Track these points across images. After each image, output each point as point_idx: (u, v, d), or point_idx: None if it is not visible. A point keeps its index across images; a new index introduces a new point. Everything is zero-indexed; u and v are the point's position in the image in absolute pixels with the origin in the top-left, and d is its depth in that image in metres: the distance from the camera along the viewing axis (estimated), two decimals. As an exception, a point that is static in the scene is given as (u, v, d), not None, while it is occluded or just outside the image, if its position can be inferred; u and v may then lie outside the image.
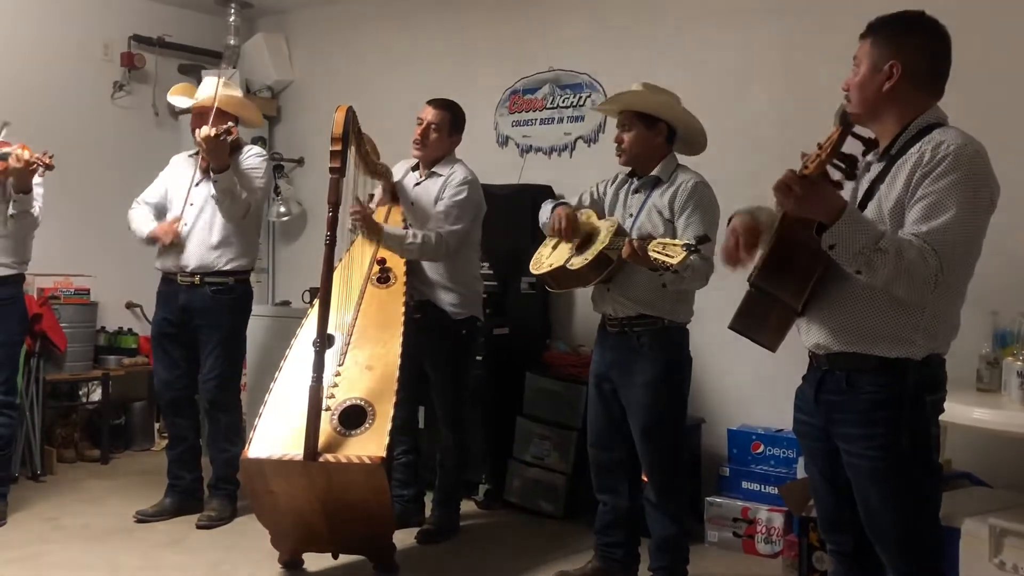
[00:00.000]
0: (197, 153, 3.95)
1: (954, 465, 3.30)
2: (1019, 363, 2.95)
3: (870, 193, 2.11)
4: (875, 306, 2.06)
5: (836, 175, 2.09)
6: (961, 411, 2.79)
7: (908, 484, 2.06)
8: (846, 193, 2.13)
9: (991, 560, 2.74)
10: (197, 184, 3.94)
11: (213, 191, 3.80)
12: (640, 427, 3.12)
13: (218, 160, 3.73)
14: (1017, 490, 3.23)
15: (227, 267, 3.93)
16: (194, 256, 3.91)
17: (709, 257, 2.96)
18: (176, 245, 3.91)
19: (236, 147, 3.89)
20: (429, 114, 3.71)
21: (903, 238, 1.95)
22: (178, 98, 4.10)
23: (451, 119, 3.72)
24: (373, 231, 3.44)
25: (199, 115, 3.90)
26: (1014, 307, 3.21)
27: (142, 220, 4.00)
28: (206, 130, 3.69)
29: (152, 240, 3.95)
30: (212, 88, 3.92)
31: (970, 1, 3.42)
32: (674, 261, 2.58)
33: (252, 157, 3.96)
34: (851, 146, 2.09)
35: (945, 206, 1.94)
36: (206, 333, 3.95)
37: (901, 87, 2.07)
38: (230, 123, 3.78)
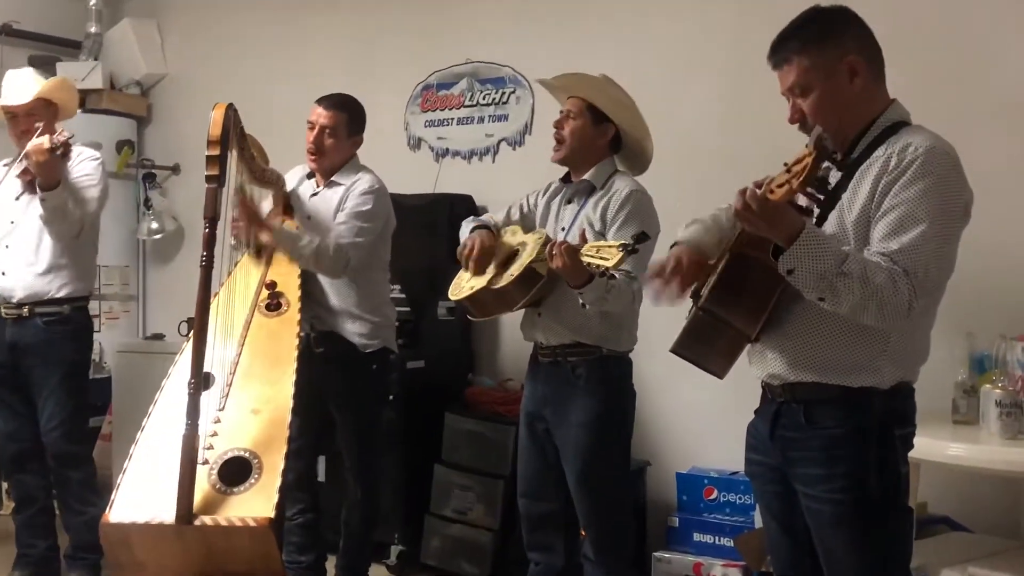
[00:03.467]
0: (15, 160, 3.81)
1: (930, 508, 3.37)
2: (998, 391, 3.01)
3: (831, 203, 2.13)
4: (836, 331, 2.08)
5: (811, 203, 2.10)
6: (935, 447, 2.85)
7: (875, 531, 2.08)
8: None
9: (973, 615, 2.79)
10: (17, 198, 3.83)
11: (41, 211, 3.69)
12: (576, 473, 3.12)
13: (49, 176, 3.60)
14: (1000, 535, 3.31)
15: (61, 294, 3.84)
16: (20, 284, 3.80)
17: (637, 275, 2.97)
18: None
19: (65, 152, 3.75)
20: (320, 116, 3.65)
21: (870, 260, 1.97)
22: None
23: (347, 119, 3.68)
24: (261, 226, 3.42)
25: (14, 118, 3.79)
26: (991, 327, 3.29)
27: None
28: (38, 141, 3.56)
29: None
30: (27, 84, 3.79)
31: None
32: (610, 264, 2.58)
33: (84, 162, 3.84)
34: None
35: (916, 219, 1.97)
36: (41, 373, 3.83)
37: (866, 81, 2.11)
38: (67, 133, 3.64)
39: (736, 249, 2.13)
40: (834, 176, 2.16)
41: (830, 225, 2.11)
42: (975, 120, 3.47)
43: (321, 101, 3.68)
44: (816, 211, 2.13)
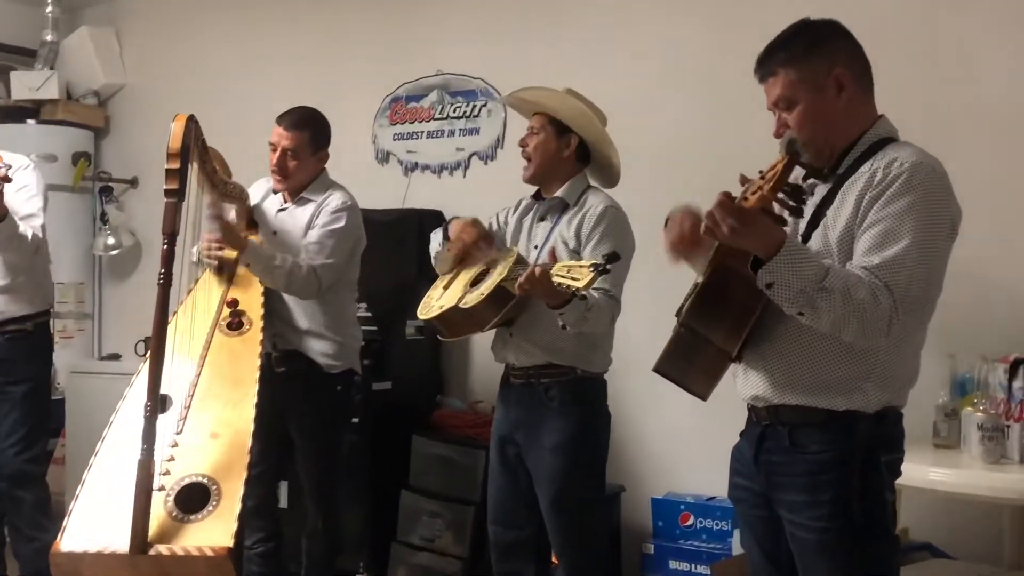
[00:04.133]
0: None
1: (912, 535, 3.37)
2: (980, 414, 3.03)
3: (816, 219, 2.14)
4: (821, 351, 2.08)
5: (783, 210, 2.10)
6: (916, 471, 2.86)
7: (861, 559, 2.07)
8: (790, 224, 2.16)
9: (957, 645, 2.80)
10: None
11: None
12: (549, 498, 3.10)
13: None
14: (983, 561, 3.32)
15: (23, 312, 3.84)
16: None
17: (617, 295, 2.98)
18: None
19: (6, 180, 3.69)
20: (282, 137, 3.61)
21: (852, 274, 1.98)
22: None
23: (310, 138, 3.64)
24: (235, 242, 3.39)
25: None
26: (973, 349, 3.31)
27: None
28: None
29: None
30: None
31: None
32: (580, 284, 2.57)
33: (18, 173, 3.77)
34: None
35: (899, 234, 1.98)
36: (3, 389, 3.81)
37: (854, 95, 2.12)
38: (2, 165, 3.59)
39: (717, 261, 2.13)
40: (820, 191, 2.17)
41: (815, 241, 2.12)
42: (957, 137, 3.49)
43: (281, 120, 3.63)
44: (789, 219, 2.13)
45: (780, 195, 1.98)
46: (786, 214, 2.04)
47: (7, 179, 3.54)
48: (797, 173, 2.17)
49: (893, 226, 1.98)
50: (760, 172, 2.01)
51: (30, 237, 3.71)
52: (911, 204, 1.99)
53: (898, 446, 2.15)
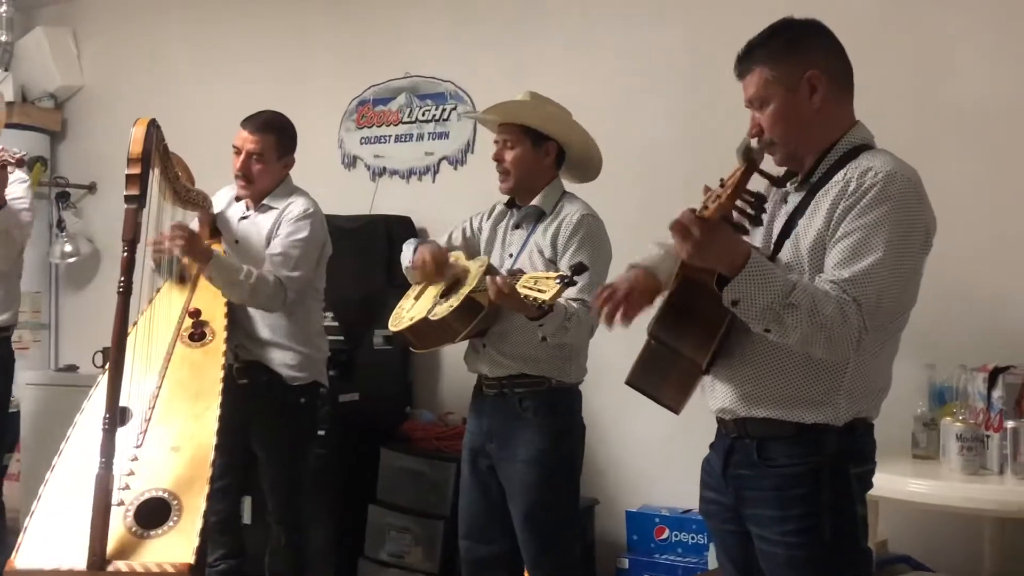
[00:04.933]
0: None
1: (891, 547, 3.40)
2: (959, 424, 3.06)
3: (788, 229, 2.15)
4: (790, 365, 2.10)
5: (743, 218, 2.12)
6: (895, 483, 2.89)
7: (830, 574, 2.09)
8: (756, 237, 2.18)
9: (936, 660, 2.83)
10: None
11: None
12: (522, 512, 3.11)
13: None
14: (963, 574, 3.35)
15: None
16: None
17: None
18: None
19: (20, 164, 3.70)
20: (246, 141, 3.60)
21: (819, 289, 1.99)
22: None
23: (276, 141, 3.64)
24: (199, 255, 3.38)
25: None
26: (952, 359, 3.35)
27: None
28: None
29: None
30: None
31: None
32: (546, 296, 2.59)
33: (14, 184, 3.79)
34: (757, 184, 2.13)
35: (871, 247, 1.98)
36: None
37: (829, 98, 2.13)
38: (15, 149, 3.59)
39: (684, 273, 2.14)
40: (793, 199, 2.18)
41: (785, 252, 2.13)
42: (934, 143, 3.54)
43: (246, 124, 3.63)
44: (759, 232, 2.16)
45: (739, 203, 1.99)
46: (746, 223, 2.05)
47: (21, 163, 3.54)
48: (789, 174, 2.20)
49: (865, 238, 1.99)
50: (721, 180, 2.02)
51: (15, 239, 3.70)
52: (884, 215, 1.99)
53: (869, 458, 2.17)
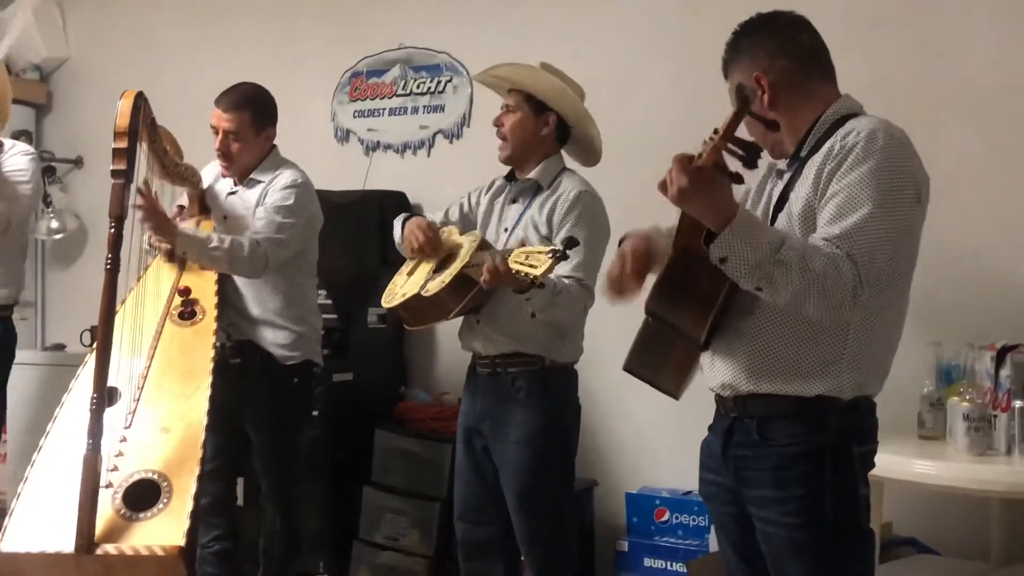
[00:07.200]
0: None
1: (895, 529, 3.42)
2: (966, 404, 3.05)
3: (781, 203, 2.17)
4: (789, 333, 2.10)
5: (736, 163, 2.12)
6: (900, 464, 2.90)
7: (833, 557, 2.10)
8: (754, 203, 2.19)
9: (942, 644, 2.84)
10: None
11: None
12: (516, 493, 3.12)
13: None
14: (969, 557, 3.37)
15: None
16: None
17: (590, 283, 3.00)
18: None
19: None
20: (221, 119, 3.56)
21: (810, 245, 1.99)
22: None
23: (251, 118, 3.59)
24: (163, 230, 3.37)
25: None
26: (959, 336, 3.35)
27: None
28: None
29: None
30: None
31: None
32: (538, 272, 2.59)
33: (15, 156, 3.83)
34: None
35: (859, 201, 1.99)
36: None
37: (788, 88, 2.17)
38: None
39: (680, 242, 2.15)
40: (787, 175, 2.20)
41: (780, 223, 2.14)
42: (939, 119, 3.53)
43: (219, 101, 3.58)
44: (750, 199, 2.20)
45: (731, 145, 2.00)
46: (739, 166, 2.05)
47: None
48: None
49: (852, 195, 2.00)
50: (714, 130, 2.02)
51: (4, 212, 3.73)
52: (870, 171, 2.00)
53: (871, 437, 2.17)
